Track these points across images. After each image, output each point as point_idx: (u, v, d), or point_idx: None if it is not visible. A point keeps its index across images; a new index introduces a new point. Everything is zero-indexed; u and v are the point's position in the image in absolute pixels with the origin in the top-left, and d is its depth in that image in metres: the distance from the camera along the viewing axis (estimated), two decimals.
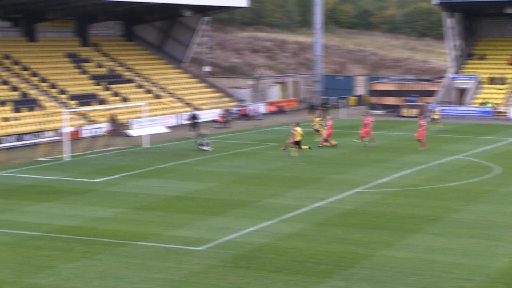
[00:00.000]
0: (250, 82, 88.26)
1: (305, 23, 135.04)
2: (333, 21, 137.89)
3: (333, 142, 53.75)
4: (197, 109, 73.27)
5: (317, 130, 56.54)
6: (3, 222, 31.17)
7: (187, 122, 63.77)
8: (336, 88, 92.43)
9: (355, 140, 55.30)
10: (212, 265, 25.31)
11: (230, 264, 25.44)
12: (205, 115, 71.61)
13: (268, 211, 33.28)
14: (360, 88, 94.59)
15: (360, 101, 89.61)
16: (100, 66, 74.15)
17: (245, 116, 75.34)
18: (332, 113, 76.76)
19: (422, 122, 53.43)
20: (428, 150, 52.07)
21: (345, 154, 50.59)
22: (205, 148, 51.45)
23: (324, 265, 25.30)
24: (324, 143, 53.55)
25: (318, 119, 57.58)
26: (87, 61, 74.02)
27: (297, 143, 49.01)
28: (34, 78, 66.56)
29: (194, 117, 62.26)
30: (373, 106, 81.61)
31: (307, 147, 49.87)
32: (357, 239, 28.61)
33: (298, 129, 49.12)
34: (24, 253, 26.70)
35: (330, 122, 54.93)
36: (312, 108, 77.28)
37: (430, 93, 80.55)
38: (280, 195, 36.77)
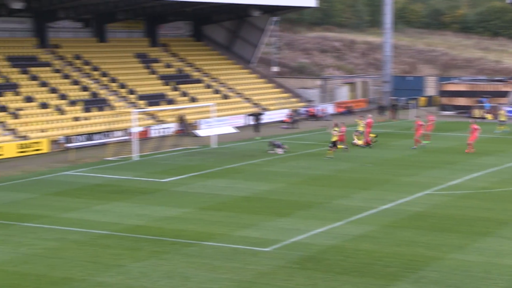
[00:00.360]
0: (318, 82, 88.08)
1: (375, 23, 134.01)
2: (403, 20, 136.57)
3: (363, 142, 53.49)
4: (265, 109, 73.42)
5: (360, 132, 55.85)
6: (73, 221, 31.69)
7: (252, 122, 63.77)
8: (406, 89, 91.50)
9: (425, 141, 54.83)
10: (279, 266, 25.34)
11: (297, 265, 25.44)
12: (273, 116, 71.78)
13: (336, 212, 33.19)
14: (431, 88, 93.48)
15: (430, 102, 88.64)
16: (168, 66, 74.82)
17: (313, 116, 75.18)
18: (402, 114, 76.16)
19: (475, 126, 52.26)
20: (500, 152, 51.31)
21: (414, 156, 50.16)
22: (275, 151, 51.22)
23: (393, 268, 25.14)
24: (371, 143, 54.01)
25: (362, 121, 57.06)
26: (156, 61, 74.77)
27: (334, 144, 49.03)
28: (104, 78, 67.49)
29: (256, 117, 61.91)
30: (444, 107, 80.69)
31: (342, 146, 50.77)
32: (426, 241, 28.34)
33: (338, 129, 49.83)
34: (93, 251, 27.10)
35: (369, 120, 54.77)
36: (381, 109, 76.73)
37: (503, 94, 79.34)
38: (348, 196, 36.64)
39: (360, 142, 54.30)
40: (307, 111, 76.31)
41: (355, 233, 29.50)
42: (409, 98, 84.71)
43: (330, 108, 79.51)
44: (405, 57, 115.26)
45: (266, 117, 70.38)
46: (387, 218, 32.16)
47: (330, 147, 49.26)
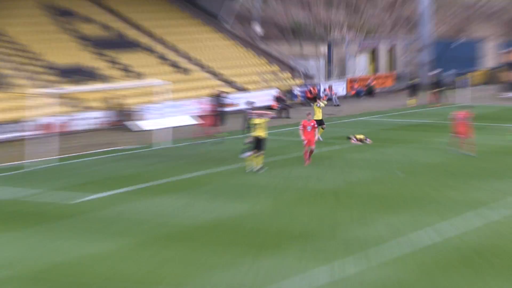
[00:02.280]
0: (322, 49, 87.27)
1: None
2: None
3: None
4: (243, 89, 72.80)
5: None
6: None
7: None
8: (453, 60, 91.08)
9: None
10: None
11: None
12: (253, 99, 70.14)
13: (345, 245, 31.36)
14: (490, 58, 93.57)
15: (490, 78, 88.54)
16: (104, 27, 74.35)
17: (313, 100, 73.34)
18: (448, 95, 75.02)
19: None
20: None
21: (464, 160, 49.57)
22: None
23: None
24: None
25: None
26: (82, 19, 74.80)
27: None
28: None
29: (218, 101, 60.54)
30: (510, 86, 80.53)
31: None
32: None
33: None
34: None
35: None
36: (413, 88, 75.36)
37: None
38: (365, 222, 34.89)
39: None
40: (305, 91, 75.14)
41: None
42: (458, 73, 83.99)
43: (339, 88, 78.40)
44: (451, 14, 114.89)
45: (242, 102, 68.61)
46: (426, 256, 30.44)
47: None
